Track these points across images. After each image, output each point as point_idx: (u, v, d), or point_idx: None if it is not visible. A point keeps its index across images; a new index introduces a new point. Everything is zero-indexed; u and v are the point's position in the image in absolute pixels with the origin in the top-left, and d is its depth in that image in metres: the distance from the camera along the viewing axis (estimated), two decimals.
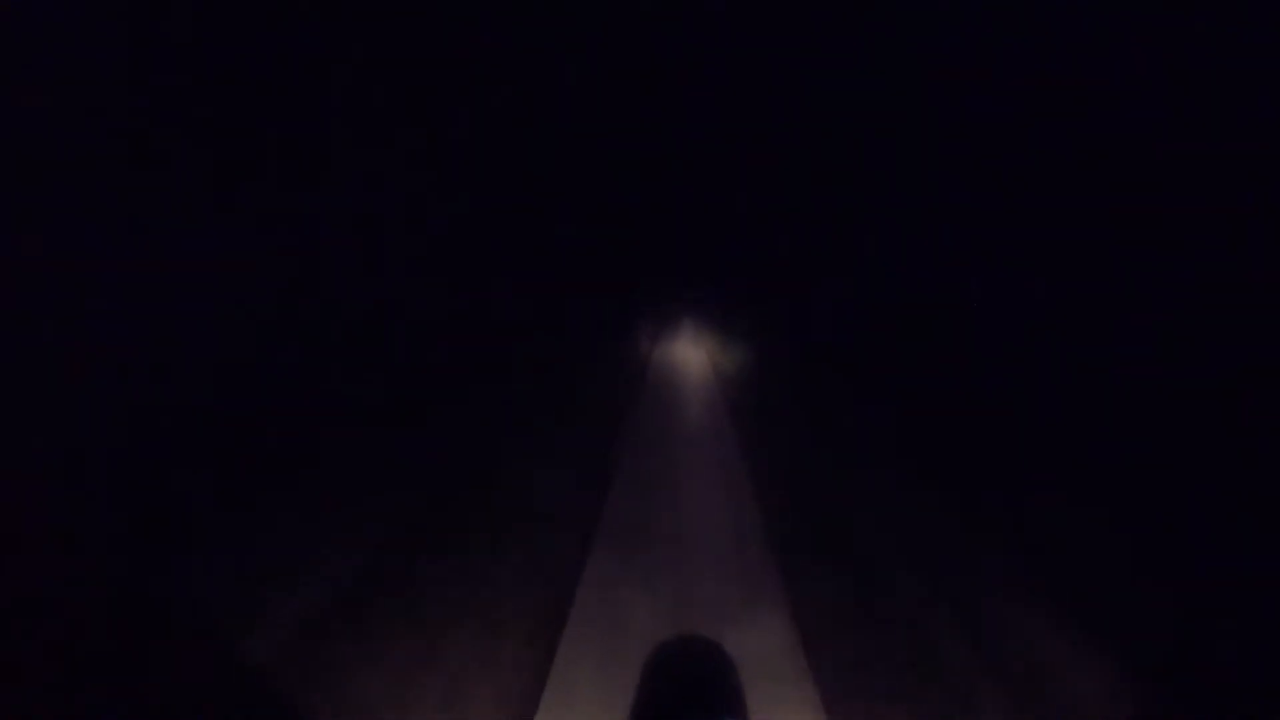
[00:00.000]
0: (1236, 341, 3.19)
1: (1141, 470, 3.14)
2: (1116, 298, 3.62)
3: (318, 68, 3.96)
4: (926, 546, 3.04)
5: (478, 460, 3.24)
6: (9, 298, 2.76)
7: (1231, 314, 3.24)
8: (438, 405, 3.53)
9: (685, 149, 5.34)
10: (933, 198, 4.35)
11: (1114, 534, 2.99)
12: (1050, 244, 3.97)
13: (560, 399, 3.93)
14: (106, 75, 3.24)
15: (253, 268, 3.51)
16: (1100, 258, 3.74)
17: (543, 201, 4.87)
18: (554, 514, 3.02)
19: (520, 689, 2.16)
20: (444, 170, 4.38)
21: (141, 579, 2.33)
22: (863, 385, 4.15)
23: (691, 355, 5.02)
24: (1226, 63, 3.34)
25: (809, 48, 4.74)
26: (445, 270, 4.36)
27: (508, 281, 4.61)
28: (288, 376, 3.36)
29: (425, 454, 3.21)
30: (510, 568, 2.72)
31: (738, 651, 2.35)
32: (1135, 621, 2.58)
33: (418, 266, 4.20)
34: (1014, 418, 3.67)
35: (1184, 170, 3.47)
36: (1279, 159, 3.16)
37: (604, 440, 3.52)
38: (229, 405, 3.07)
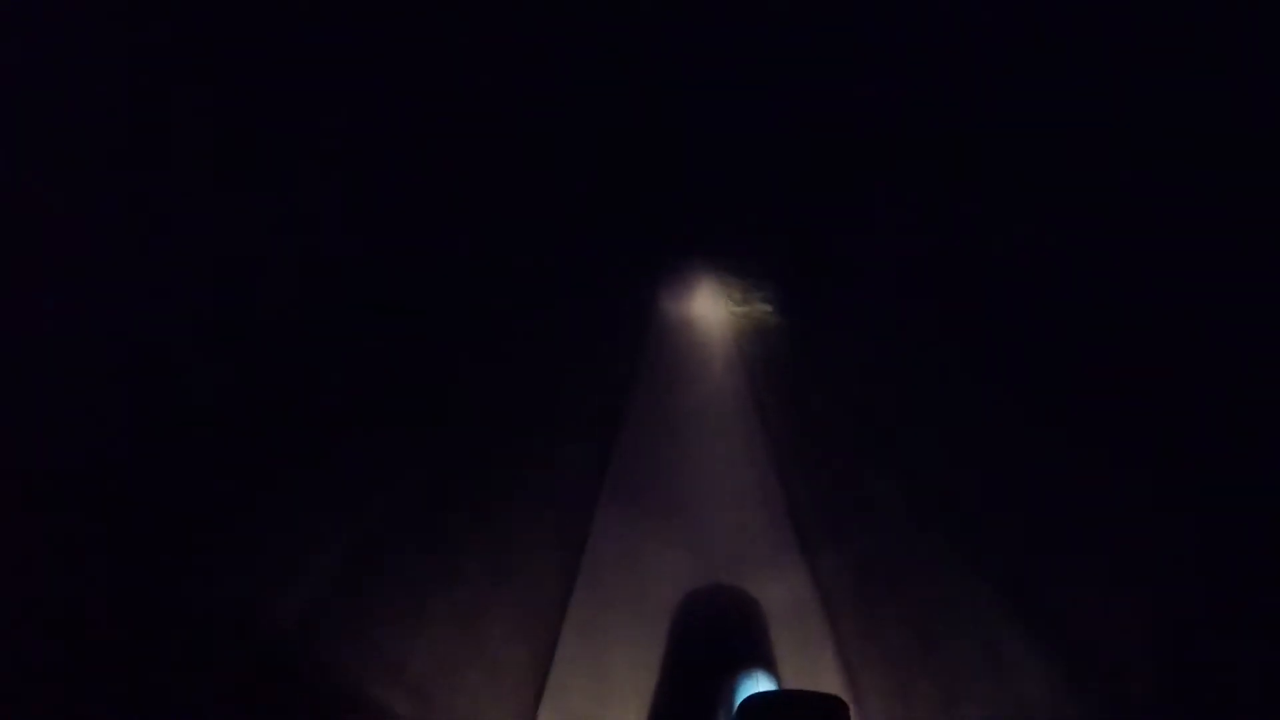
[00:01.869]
0: None
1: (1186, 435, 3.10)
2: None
3: (316, 57, 3.93)
4: (952, 508, 3.05)
5: (485, 418, 3.26)
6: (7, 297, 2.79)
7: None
8: (445, 358, 3.56)
9: (704, 77, 5.05)
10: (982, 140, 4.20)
11: (1156, 494, 2.97)
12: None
13: (568, 356, 3.91)
14: (103, 72, 3.23)
15: (254, 260, 3.52)
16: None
17: (544, 143, 4.78)
18: (562, 472, 3.04)
19: (540, 628, 2.21)
20: (440, 107, 4.32)
21: (166, 537, 2.37)
22: (894, 348, 4.10)
23: (709, 310, 4.91)
24: None
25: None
26: (445, 218, 4.32)
27: (508, 232, 4.55)
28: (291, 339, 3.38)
29: (431, 429, 3.24)
30: (522, 519, 2.75)
31: (759, 608, 2.42)
32: (1171, 576, 2.57)
33: (422, 215, 4.17)
34: (1053, 383, 3.63)
35: None
36: None
37: (614, 400, 3.52)
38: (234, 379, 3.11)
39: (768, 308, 4.78)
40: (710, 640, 2.17)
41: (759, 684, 1.59)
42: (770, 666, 1.84)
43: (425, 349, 3.66)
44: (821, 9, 4.73)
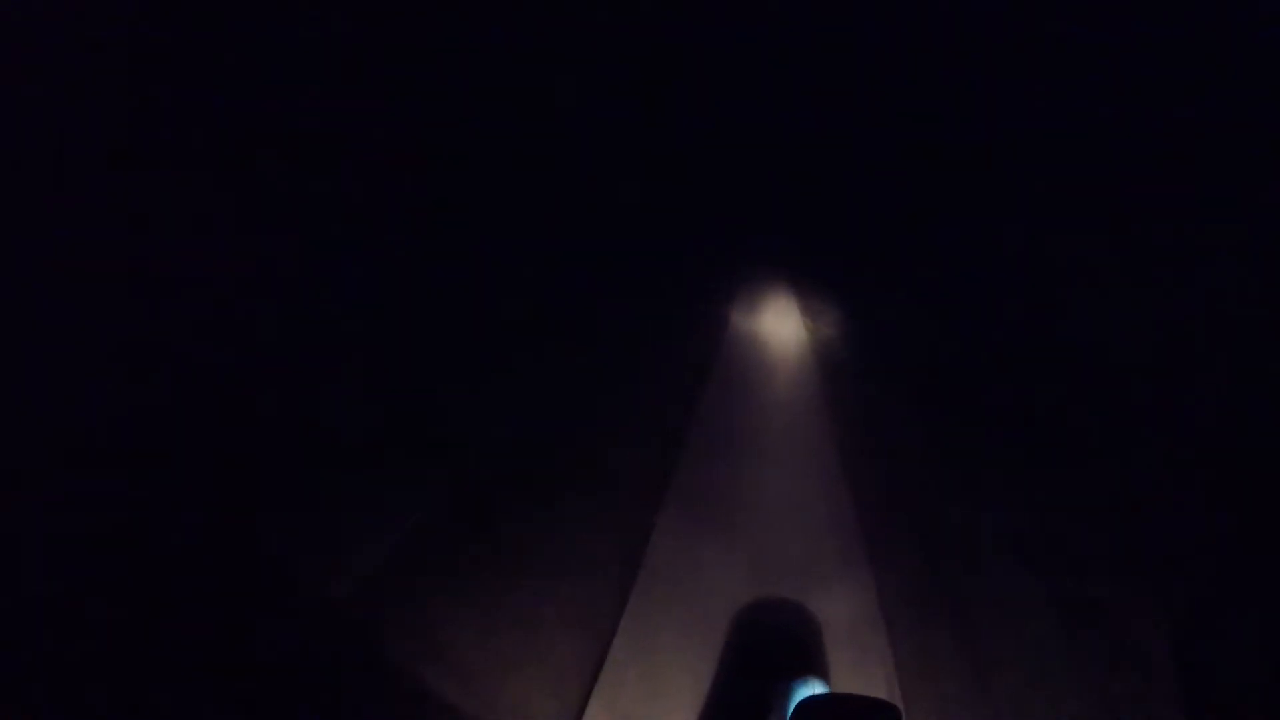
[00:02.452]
0: None
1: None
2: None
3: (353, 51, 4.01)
4: (1024, 532, 2.98)
5: (550, 419, 3.31)
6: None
7: None
8: (512, 364, 3.62)
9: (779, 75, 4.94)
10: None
11: (1227, 524, 2.86)
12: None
13: (636, 361, 3.93)
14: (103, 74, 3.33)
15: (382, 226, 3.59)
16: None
17: (616, 152, 4.81)
18: (626, 474, 3.07)
19: (596, 627, 2.23)
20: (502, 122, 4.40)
21: (226, 534, 2.47)
22: (968, 364, 4.00)
23: (781, 316, 4.87)
24: None
25: None
26: (513, 225, 4.40)
27: (577, 237, 4.60)
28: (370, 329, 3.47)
29: (500, 412, 3.30)
30: (583, 521, 2.78)
31: (816, 616, 2.40)
32: (1236, 610, 2.47)
33: (496, 228, 4.26)
34: (1139, 405, 3.52)
35: None
36: None
37: (681, 405, 3.53)
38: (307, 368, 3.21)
39: (839, 319, 4.72)
40: (765, 647, 2.17)
41: (812, 690, 1.60)
42: (823, 675, 1.83)
43: (495, 348, 3.74)
44: (908, 21, 4.70)
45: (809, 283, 5.20)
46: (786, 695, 1.59)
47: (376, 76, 4.24)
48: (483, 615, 2.28)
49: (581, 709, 2.09)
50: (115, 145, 3.55)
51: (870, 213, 5.31)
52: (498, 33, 4.37)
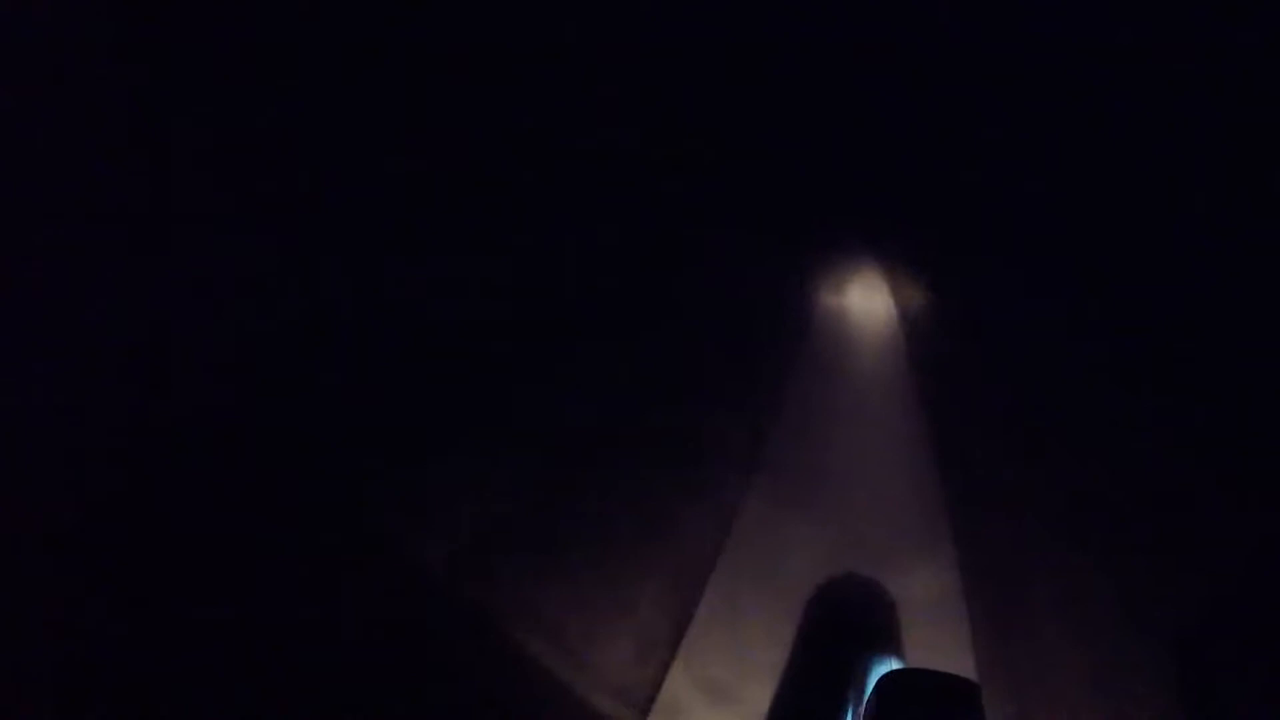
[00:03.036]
0: None
1: None
2: None
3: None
4: (1112, 519, 2.92)
5: (635, 398, 3.37)
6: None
7: None
8: (597, 342, 3.69)
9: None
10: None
11: None
12: None
13: (727, 330, 3.92)
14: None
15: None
16: None
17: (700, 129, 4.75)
18: (714, 445, 3.11)
19: (683, 594, 2.33)
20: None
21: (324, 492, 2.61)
22: (1064, 345, 3.88)
23: (870, 298, 4.78)
24: None
25: None
26: (598, 205, 4.42)
27: (658, 214, 4.60)
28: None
29: (586, 392, 3.38)
30: (669, 493, 2.84)
31: (898, 594, 2.44)
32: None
33: (571, 214, 4.31)
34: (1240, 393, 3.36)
35: None
36: None
37: (771, 380, 3.53)
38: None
39: (928, 296, 4.62)
40: (845, 621, 2.24)
41: (890, 666, 1.67)
42: (900, 652, 1.90)
43: (587, 316, 3.79)
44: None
45: (896, 256, 5.06)
46: (866, 670, 1.67)
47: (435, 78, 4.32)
48: (572, 583, 2.41)
49: (664, 672, 2.21)
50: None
51: (951, 182, 5.13)
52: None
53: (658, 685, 2.17)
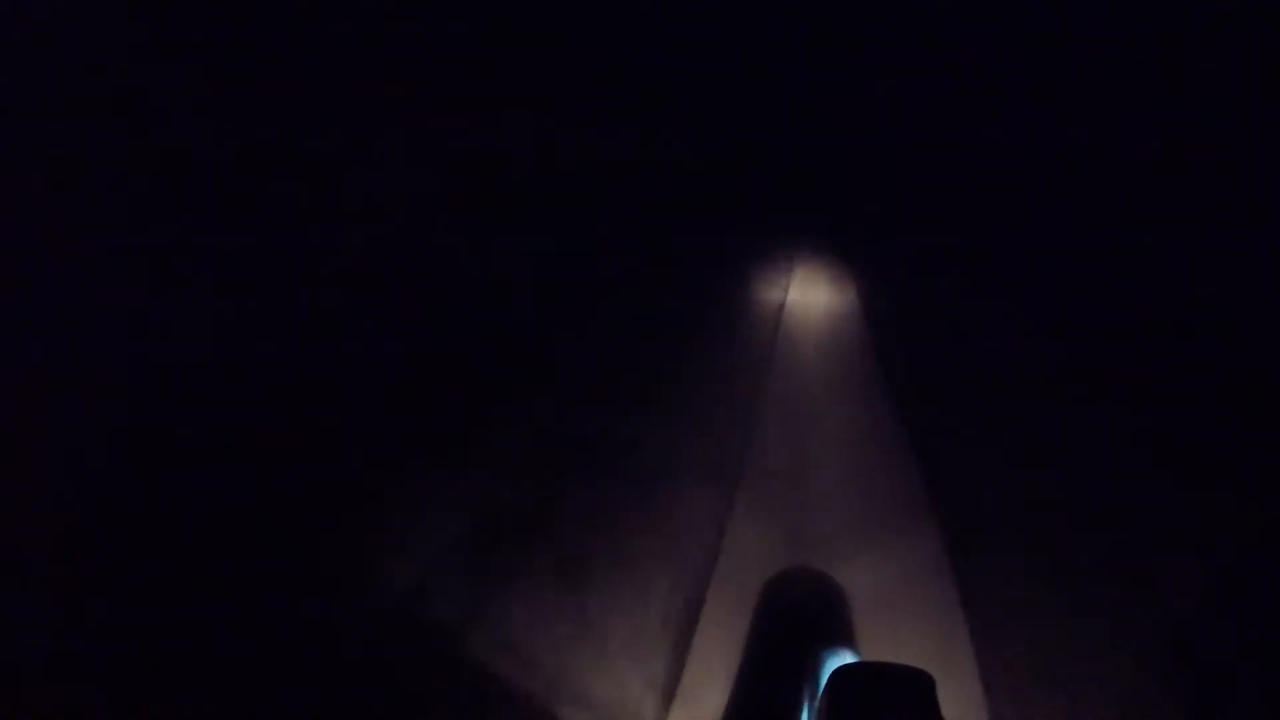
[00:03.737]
0: None
1: None
2: None
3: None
4: (1102, 513, 2.94)
5: (603, 415, 3.33)
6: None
7: None
8: (559, 360, 3.64)
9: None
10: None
11: None
12: None
13: (681, 351, 3.90)
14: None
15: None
16: None
17: (645, 111, 4.70)
18: (689, 469, 3.09)
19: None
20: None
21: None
22: (1054, 346, 3.91)
23: (833, 295, 4.75)
24: None
25: None
26: (544, 207, 4.37)
27: (609, 216, 4.55)
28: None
29: (553, 414, 3.33)
30: (651, 522, 2.81)
31: (851, 587, 2.44)
32: None
33: (521, 205, 4.23)
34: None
35: None
36: None
37: (736, 394, 3.53)
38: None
39: (895, 293, 4.60)
40: (799, 617, 2.23)
41: (843, 659, 1.64)
42: (856, 647, 1.88)
43: (573, 327, 3.72)
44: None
45: (866, 256, 5.06)
46: (819, 664, 1.64)
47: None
48: (538, 606, 2.34)
49: (620, 679, 2.16)
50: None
51: (921, 185, 5.18)
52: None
53: (620, 691, 2.14)
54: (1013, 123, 4.82)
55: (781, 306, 4.71)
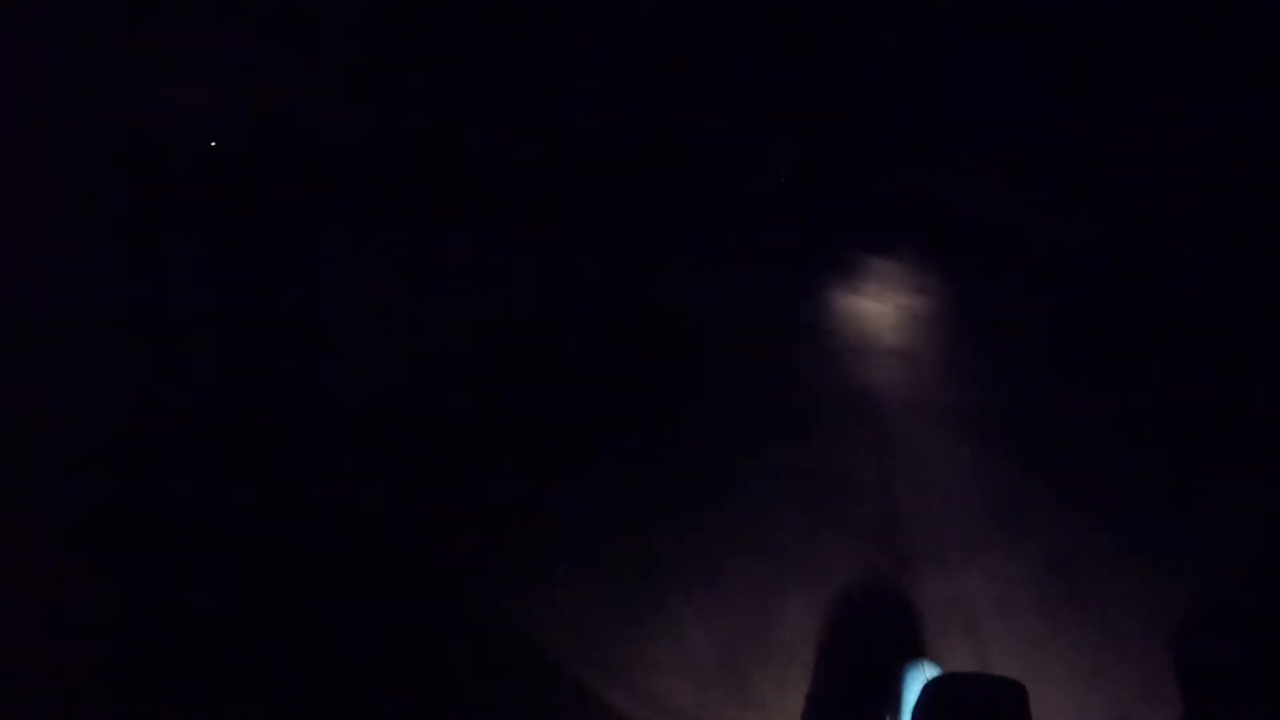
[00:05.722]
0: None
1: None
2: None
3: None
4: (1128, 509, 2.96)
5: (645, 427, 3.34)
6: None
7: None
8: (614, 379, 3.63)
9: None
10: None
11: None
12: None
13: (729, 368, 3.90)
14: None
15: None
16: None
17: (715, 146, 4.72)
18: (776, 487, 3.13)
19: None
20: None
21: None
22: (1067, 338, 3.91)
23: (874, 303, 4.75)
24: None
25: None
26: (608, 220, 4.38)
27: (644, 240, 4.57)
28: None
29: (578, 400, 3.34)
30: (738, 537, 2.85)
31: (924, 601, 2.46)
32: None
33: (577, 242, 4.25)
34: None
35: None
36: None
37: (804, 397, 3.53)
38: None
39: (934, 299, 4.61)
40: (875, 630, 2.25)
41: (926, 673, 1.67)
42: (934, 658, 1.90)
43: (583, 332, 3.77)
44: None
45: (900, 261, 5.04)
46: (900, 678, 1.67)
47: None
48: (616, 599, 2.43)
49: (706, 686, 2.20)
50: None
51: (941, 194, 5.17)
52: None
53: (701, 700, 2.19)
54: (1026, 134, 4.78)
55: (832, 312, 4.67)
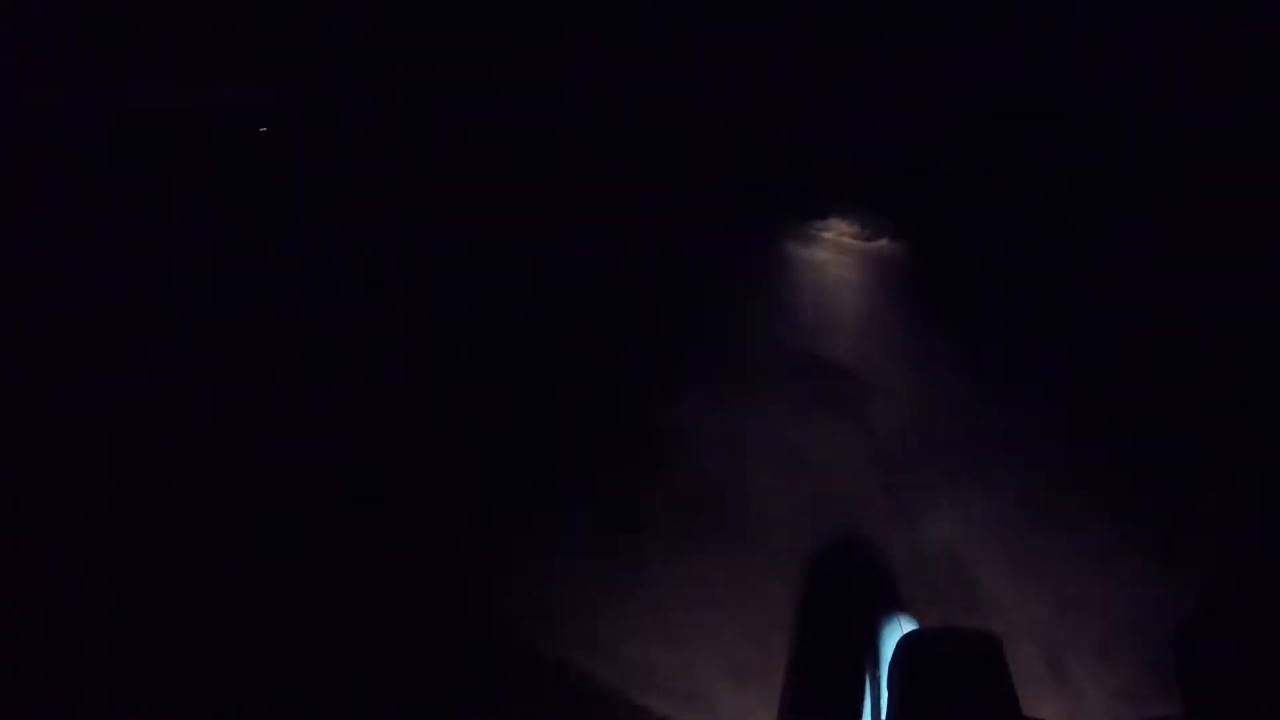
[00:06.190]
0: None
1: None
2: None
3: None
4: (1097, 463, 2.90)
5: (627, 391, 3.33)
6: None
7: None
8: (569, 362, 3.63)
9: None
10: None
11: None
12: None
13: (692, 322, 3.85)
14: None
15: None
16: None
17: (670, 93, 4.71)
18: (746, 444, 3.09)
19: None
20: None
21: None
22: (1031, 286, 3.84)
23: (835, 251, 4.63)
24: None
25: None
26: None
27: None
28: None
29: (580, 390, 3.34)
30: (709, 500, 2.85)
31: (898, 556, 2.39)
32: None
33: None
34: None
35: None
36: None
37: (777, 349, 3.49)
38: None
39: (897, 242, 4.50)
40: (851, 588, 2.22)
41: (903, 627, 1.64)
42: (909, 612, 1.87)
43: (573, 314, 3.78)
44: None
45: (862, 206, 4.89)
46: (878, 633, 1.64)
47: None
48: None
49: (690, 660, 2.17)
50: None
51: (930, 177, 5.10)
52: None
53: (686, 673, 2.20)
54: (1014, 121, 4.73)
55: (792, 261, 4.54)
